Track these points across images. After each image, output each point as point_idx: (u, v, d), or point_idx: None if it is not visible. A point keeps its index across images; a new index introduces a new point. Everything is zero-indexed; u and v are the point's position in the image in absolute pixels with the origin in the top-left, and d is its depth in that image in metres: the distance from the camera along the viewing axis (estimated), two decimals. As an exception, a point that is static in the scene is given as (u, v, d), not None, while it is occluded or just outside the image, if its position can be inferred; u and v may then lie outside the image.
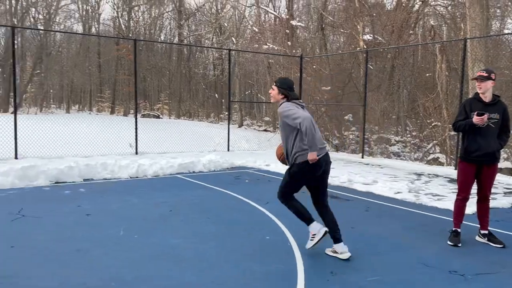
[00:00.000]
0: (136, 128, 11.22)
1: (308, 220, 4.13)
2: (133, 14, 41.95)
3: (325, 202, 4.18)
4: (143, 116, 34.18)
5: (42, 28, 36.44)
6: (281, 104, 4.05)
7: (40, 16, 38.52)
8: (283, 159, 4.30)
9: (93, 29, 45.21)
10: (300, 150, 3.94)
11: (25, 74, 36.86)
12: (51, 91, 47.98)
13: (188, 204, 6.27)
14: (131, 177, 8.24)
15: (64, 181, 7.62)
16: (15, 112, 9.72)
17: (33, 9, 38.47)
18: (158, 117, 34.14)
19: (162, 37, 45.85)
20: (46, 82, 38.00)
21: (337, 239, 4.07)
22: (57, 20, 40.44)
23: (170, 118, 35.94)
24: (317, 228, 4.10)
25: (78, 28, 44.98)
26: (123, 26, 40.33)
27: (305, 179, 4.04)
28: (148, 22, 43.38)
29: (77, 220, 5.26)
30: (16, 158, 9.58)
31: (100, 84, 44.83)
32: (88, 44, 43.65)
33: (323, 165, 4.00)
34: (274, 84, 4.16)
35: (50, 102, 48.33)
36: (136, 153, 11.13)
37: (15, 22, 33.82)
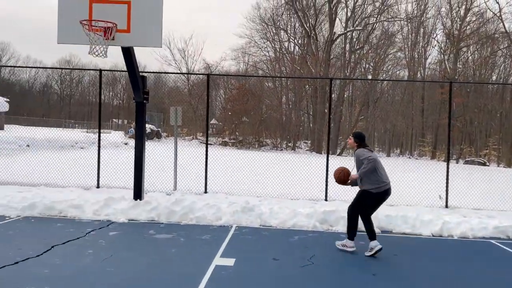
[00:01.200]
0: (447, 178, 10.10)
1: (352, 235, 6.10)
2: (460, 55, 39.89)
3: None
4: (466, 162, 31.38)
5: (370, 78, 39.24)
6: (356, 149, 6.05)
7: (370, 66, 41.72)
8: (340, 180, 6.19)
9: (418, 74, 45.45)
10: (376, 185, 5.81)
11: (352, 119, 40.28)
12: (376, 134, 50.71)
13: (490, 285, 4.92)
14: (433, 235, 7.30)
15: (362, 230, 7.42)
16: (327, 156, 10.39)
17: (364, 60, 42.09)
18: (484, 164, 30.61)
19: (494, 77, 41.57)
20: (370, 126, 40.40)
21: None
22: (384, 68, 42.87)
23: (498, 166, 31.61)
24: (352, 244, 6.07)
25: (404, 74, 46.20)
26: (448, 69, 38.82)
27: (378, 204, 5.95)
28: (478, 62, 40.24)
29: (360, 283, 4.87)
30: (326, 200, 10.15)
31: (422, 128, 44.21)
32: (411, 90, 44.08)
33: (388, 194, 5.88)
34: (352, 135, 6.21)
35: (375, 145, 51.03)
36: (446, 206, 9.96)
37: (347, 74, 37.68)
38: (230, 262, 5.33)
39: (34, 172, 11.90)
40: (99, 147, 10.74)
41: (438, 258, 5.95)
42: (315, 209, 7.96)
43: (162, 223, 7.40)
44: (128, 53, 7.19)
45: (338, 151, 35.26)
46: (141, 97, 7.95)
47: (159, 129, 33.60)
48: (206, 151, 10.59)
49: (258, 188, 11.08)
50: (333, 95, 41.80)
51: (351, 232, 6.07)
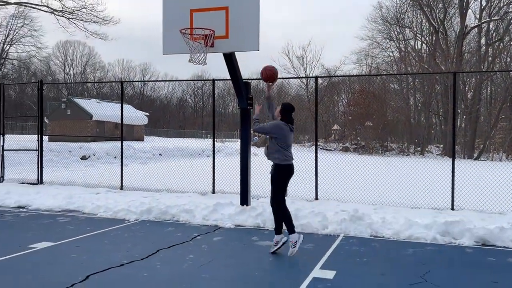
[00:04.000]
0: None
1: (292, 229, 5.69)
2: None
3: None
4: None
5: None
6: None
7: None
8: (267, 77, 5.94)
9: None
10: (277, 156, 5.67)
11: (492, 119, 36.09)
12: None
13: None
14: None
15: (492, 244, 6.36)
16: (453, 160, 9.25)
17: (504, 53, 37.49)
18: None
19: None
20: (513, 126, 35.69)
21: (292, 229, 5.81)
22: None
23: None
24: (297, 237, 5.64)
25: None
26: None
27: (283, 180, 5.73)
28: None
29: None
30: (452, 209, 9.03)
31: None
32: None
33: (291, 170, 5.76)
34: (281, 105, 5.75)
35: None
36: None
37: (483, 69, 33.97)
38: (330, 274, 4.91)
39: (160, 178, 12.77)
40: (213, 154, 11.13)
41: None
42: (436, 219, 7.07)
43: (267, 229, 7.24)
44: (230, 60, 7.24)
45: (475, 155, 31.76)
46: (245, 103, 7.95)
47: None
48: (316, 156, 10.23)
49: (375, 195, 10.35)
50: (468, 94, 38.01)
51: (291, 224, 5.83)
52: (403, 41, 43.69)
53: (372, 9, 78.01)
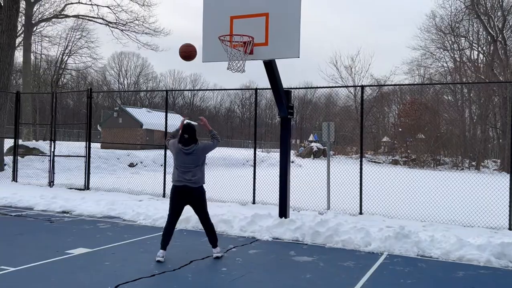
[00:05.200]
0: None
1: (161, 246, 5.77)
2: None
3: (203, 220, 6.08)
4: None
5: None
6: None
7: None
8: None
9: None
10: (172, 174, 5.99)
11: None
12: None
13: None
14: None
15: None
16: (511, 176, 8.55)
17: None
18: None
19: None
20: None
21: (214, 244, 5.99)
22: None
23: None
24: (161, 254, 5.71)
25: None
26: None
27: (172, 199, 5.90)
28: None
29: None
30: (510, 229, 8.32)
31: None
32: None
33: (178, 192, 5.82)
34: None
35: None
36: None
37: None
38: (369, 296, 4.56)
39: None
40: (254, 164, 10.94)
41: None
42: (490, 240, 6.48)
43: (306, 244, 6.94)
44: (270, 67, 7.06)
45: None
46: (286, 112, 7.72)
47: (325, 147, 33.52)
48: (361, 168, 9.81)
49: (424, 211, 9.75)
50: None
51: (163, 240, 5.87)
52: (458, 51, 41.92)
53: (425, 18, 75.69)
